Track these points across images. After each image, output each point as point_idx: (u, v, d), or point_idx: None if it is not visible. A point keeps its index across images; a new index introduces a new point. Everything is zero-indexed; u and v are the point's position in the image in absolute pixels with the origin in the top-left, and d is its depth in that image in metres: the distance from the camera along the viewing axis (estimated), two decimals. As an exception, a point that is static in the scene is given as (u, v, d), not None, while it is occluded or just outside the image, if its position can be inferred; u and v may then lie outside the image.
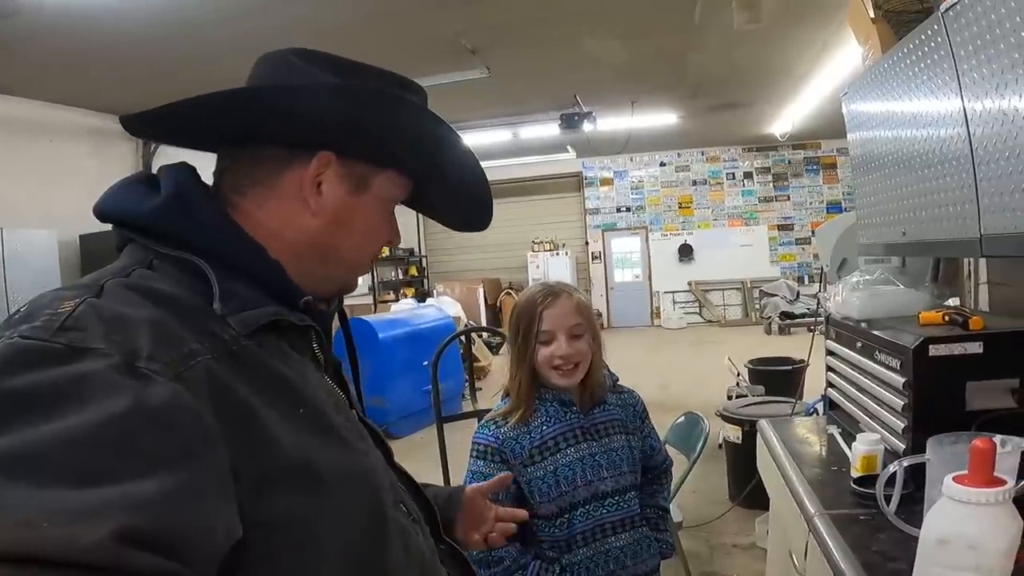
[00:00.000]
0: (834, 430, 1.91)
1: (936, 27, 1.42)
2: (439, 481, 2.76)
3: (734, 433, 3.90)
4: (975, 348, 1.41)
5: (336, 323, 0.97)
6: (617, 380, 1.72)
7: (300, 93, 0.72)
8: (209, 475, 0.54)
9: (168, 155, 0.81)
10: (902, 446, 1.47)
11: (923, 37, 1.50)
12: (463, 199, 0.93)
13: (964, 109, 1.34)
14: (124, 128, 0.74)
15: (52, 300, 0.59)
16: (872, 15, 1.92)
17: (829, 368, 2.03)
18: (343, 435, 0.71)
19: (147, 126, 0.76)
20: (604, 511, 1.55)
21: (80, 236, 6.52)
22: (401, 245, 13.63)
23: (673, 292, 13.35)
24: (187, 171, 0.74)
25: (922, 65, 1.52)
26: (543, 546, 1.56)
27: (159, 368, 0.55)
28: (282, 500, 0.60)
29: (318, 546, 0.62)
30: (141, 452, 0.50)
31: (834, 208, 12.40)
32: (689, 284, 13.26)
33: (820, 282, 3.13)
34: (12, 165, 6.29)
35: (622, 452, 1.59)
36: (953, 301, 2.02)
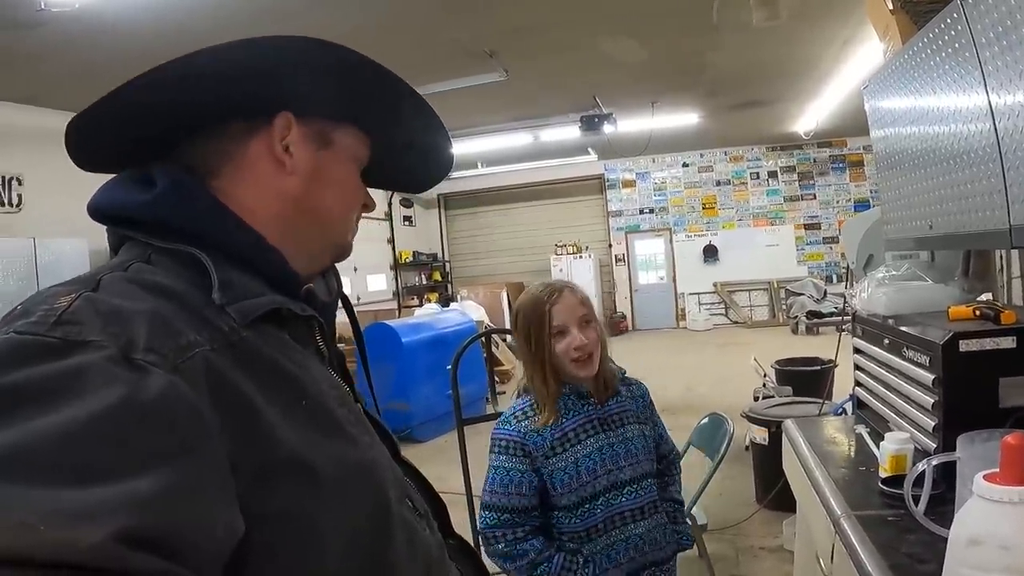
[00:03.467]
0: (862, 430, 1.87)
1: (956, 15, 1.39)
2: (460, 484, 2.75)
3: (760, 434, 3.85)
4: (1008, 343, 1.37)
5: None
6: (624, 373, 1.77)
7: (258, 52, 0.71)
8: (208, 470, 0.53)
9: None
10: (932, 445, 1.43)
11: (943, 26, 1.46)
12: (419, 143, 0.92)
13: (989, 99, 1.31)
14: (72, 160, 0.74)
15: (48, 296, 0.59)
16: (891, 6, 1.89)
17: (857, 367, 1.99)
18: (346, 428, 0.70)
19: (91, 142, 0.74)
20: (623, 499, 1.61)
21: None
22: (425, 250, 13.70)
23: (698, 294, 13.23)
24: (177, 167, 0.74)
25: (943, 55, 1.49)
26: (563, 538, 1.60)
27: (156, 360, 0.54)
28: (283, 493, 0.59)
29: (320, 540, 0.62)
30: (138, 447, 0.49)
31: (861, 206, 12.19)
32: (714, 285, 13.13)
33: (847, 279, 3.08)
34: (43, 175, 6.43)
35: (637, 441, 1.65)
36: (985, 296, 1.96)
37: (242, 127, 0.74)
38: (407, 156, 0.94)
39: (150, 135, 0.74)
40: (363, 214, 0.88)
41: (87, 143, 0.74)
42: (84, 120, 0.71)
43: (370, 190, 0.89)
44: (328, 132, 0.79)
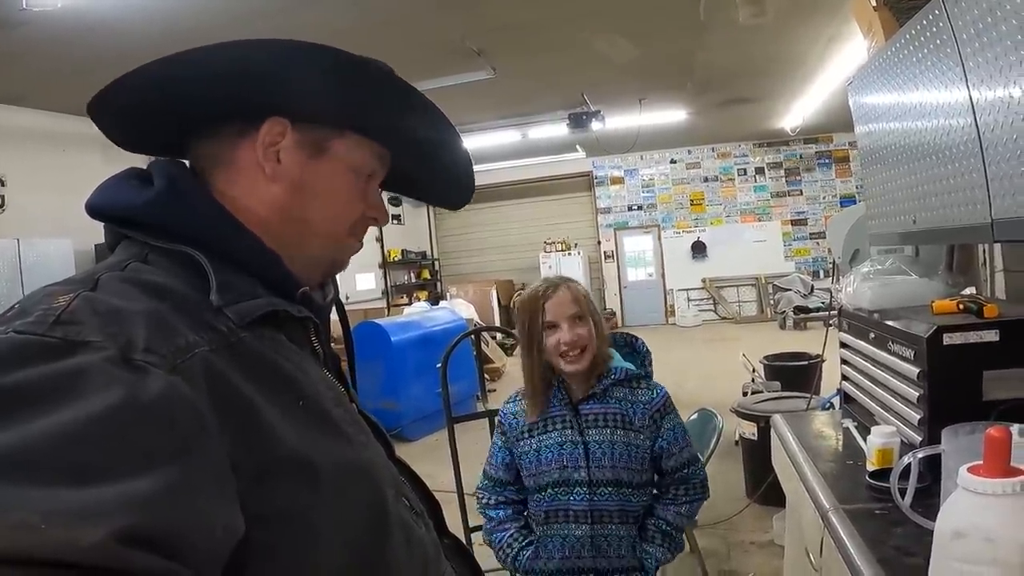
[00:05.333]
0: (849, 424, 1.88)
1: (937, 12, 1.40)
2: (450, 482, 2.75)
3: (749, 429, 3.87)
4: (991, 336, 1.38)
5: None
6: (643, 375, 1.74)
7: (251, 54, 0.70)
8: (208, 470, 0.53)
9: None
10: (918, 438, 1.45)
11: (924, 22, 1.48)
12: (437, 159, 0.91)
13: (970, 94, 1.32)
14: (113, 141, 0.76)
15: (46, 295, 0.58)
16: (874, 3, 1.90)
17: (843, 361, 2.00)
18: (343, 428, 0.71)
19: (113, 116, 0.76)
20: (571, 498, 1.63)
21: (96, 245, 6.58)
22: (414, 248, 13.63)
23: (687, 290, 13.27)
24: (179, 165, 0.74)
25: (925, 51, 1.50)
26: (531, 517, 1.72)
27: (156, 360, 0.54)
28: (282, 493, 0.60)
29: (319, 539, 0.62)
30: (138, 447, 0.49)
31: (847, 202, 12.27)
32: (703, 281, 13.18)
33: (833, 274, 3.10)
34: (27, 176, 6.38)
35: (609, 447, 1.63)
36: (969, 290, 1.98)
37: (233, 130, 0.74)
38: (425, 167, 0.92)
39: (155, 129, 0.76)
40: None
41: (119, 133, 0.77)
42: (97, 106, 0.73)
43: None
44: (324, 141, 0.77)
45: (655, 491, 1.75)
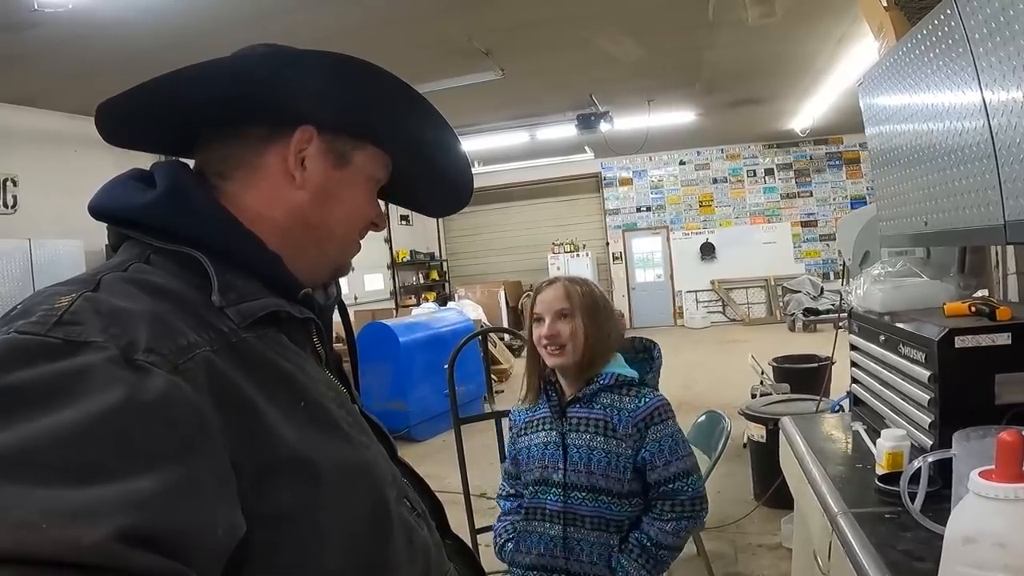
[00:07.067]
0: (859, 427, 1.87)
1: (949, 11, 1.39)
2: (458, 483, 2.76)
3: (758, 432, 3.85)
4: (1003, 339, 1.37)
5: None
6: (636, 382, 1.67)
7: (286, 62, 0.73)
8: (210, 470, 0.53)
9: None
10: (929, 442, 1.43)
11: (936, 22, 1.47)
12: (440, 173, 0.93)
13: (983, 95, 1.31)
14: (100, 134, 0.77)
15: (49, 296, 0.59)
16: (885, 3, 1.89)
17: (853, 363, 1.99)
18: (344, 429, 0.71)
19: (120, 121, 0.77)
20: (548, 498, 1.66)
21: (107, 246, 6.62)
22: (422, 249, 13.67)
23: (696, 291, 13.23)
24: (181, 166, 0.75)
25: (937, 51, 1.49)
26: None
27: (157, 360, 0.54)
28: (284, 493, 0.60)
29: (320, 539, 0.62)
30: (140, 447, 0.49)
31: (858, 203, 12.20)
32: (712, 283, 13.13)
33: (843, 276, 3.09)
34: (39, 176, 6.43)
35: (587, 452, 1.62)
36: (981, 293, 1.96)
37: (261, 134, 0.75)
38: (426, 179, 0.93)
39: (173, 129, 0.77)
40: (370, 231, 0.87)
41: (114, 127, 0.77)
42: (111, 107, 0.73)
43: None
44: (348, 151, 0.79)
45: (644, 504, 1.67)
